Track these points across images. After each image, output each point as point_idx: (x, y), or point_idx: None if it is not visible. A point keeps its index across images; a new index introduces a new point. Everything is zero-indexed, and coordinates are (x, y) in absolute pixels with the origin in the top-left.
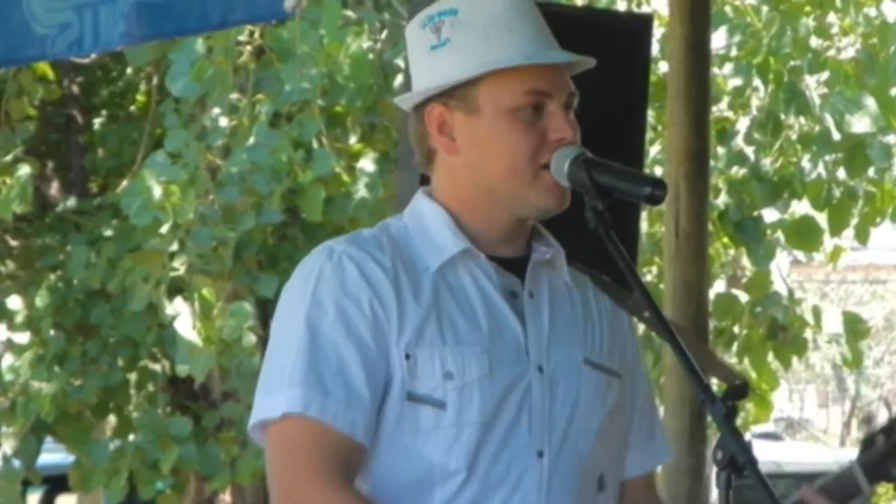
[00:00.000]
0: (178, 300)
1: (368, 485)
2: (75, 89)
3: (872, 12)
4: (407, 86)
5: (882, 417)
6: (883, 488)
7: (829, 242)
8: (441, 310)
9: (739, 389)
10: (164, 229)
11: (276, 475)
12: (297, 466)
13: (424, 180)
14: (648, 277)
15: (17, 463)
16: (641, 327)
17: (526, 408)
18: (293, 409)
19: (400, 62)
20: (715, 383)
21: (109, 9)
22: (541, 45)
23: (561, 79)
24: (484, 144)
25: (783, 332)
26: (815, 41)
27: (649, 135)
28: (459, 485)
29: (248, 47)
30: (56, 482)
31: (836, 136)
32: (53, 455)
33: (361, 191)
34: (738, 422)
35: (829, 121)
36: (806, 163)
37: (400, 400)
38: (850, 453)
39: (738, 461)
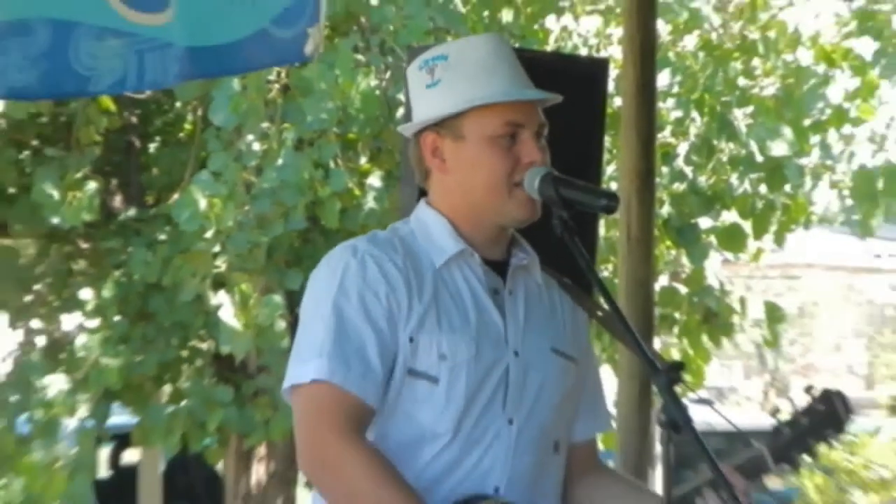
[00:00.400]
0: (221, 292)
1: (374, 441)
2: (134, 119)
3: (789, 58)
4: (407, 117)
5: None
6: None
7: (752, 245)
8: (439, 303)
9: (676, 365)
10: (209, 234)
11: (303, 427)
12: (320, 420)
13: (422, 194)
14: (605, 273)
15: (90, 424)
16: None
17: (503, 385)
18: (320, 377)
19: (401, 97)
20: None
21: (157, 55)
22: (516, 85)
23: (533, 112)
24: (469, 166)
25: (715, 318)
26: (742, 81)
27: (606, 157)
28: (444, 444)
29: (277, 85)
30: (122, 439)
31: (759, 158)
32: (120, 417)
33: (370, 203)
34: (678, 390)
35: (754, 146)
36: (734, 180)
37: (402, 374)
38: (768, 417)
39: (678, 422)
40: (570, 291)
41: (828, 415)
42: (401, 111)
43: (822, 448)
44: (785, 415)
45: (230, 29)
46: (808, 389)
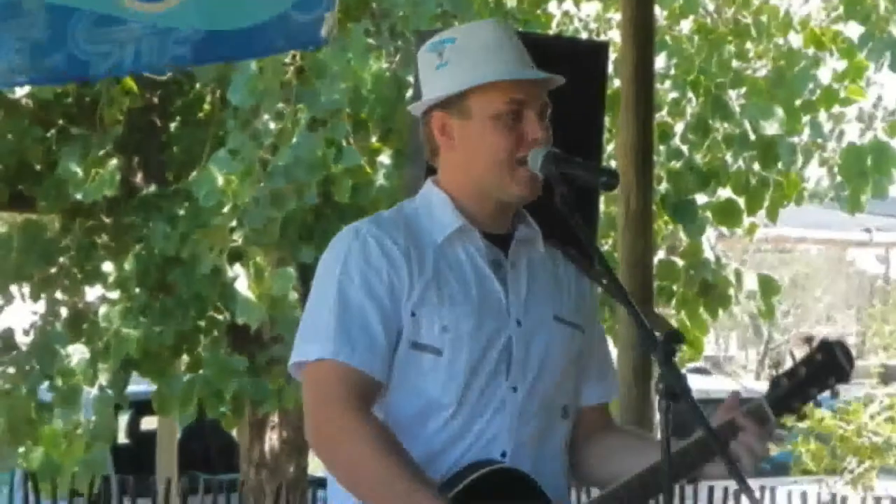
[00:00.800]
0: (237, 265)
1: (383, 416)
2: (155, 100)
3: (781, 41)
4: (416, 97)
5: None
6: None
7: (746, 220)
8: (440, 278)
9: (675, 336)
10: (226, 210)
11: (309, 402)
12: (326, 396)
13: (429, 173)
14: (606, 248)
15: (110, 392)
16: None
17: (506, 354)
18: (325, 355)
19: (410, 79)
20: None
21: (155, 39)
22: (519, 65)
23: (536, 92)
24: (474, 143)
25: (711, 290)
26: (735, 63)
27: (606, 136)
28: (450, 414)
29: (292, 67)
30: (140, 407)
31: (753, 137)
32: (138, 386)
33: (380, 179)
34: (675, 359)
35: (747, 125)
36: (729, 158)
37: (406, 347)
38: (763, 385)
39: (676, 390)
40: (574, 261)
41: (829, 364)
42: (410, 92)
43: (823, 395)
44: (785, 367)
45: (251, 13)
46: (808, 340)
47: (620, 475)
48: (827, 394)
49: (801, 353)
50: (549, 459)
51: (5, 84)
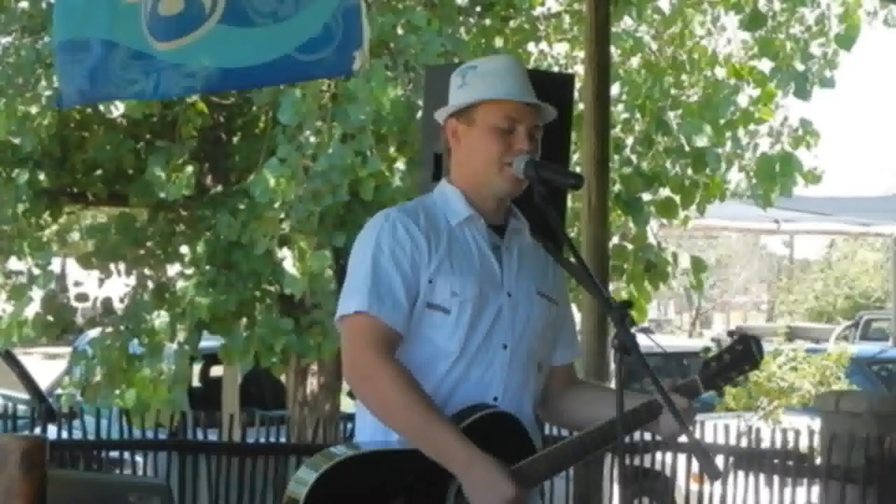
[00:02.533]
0: (285, 248)
1: (402, 361)
2: (221, 119)
3: (709, 73)
4: (425, 119)
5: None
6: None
7: (682, 213)
8: (452, 254)
9: (627, 304)
10: (276, 205)
11: (347, 347)
12: (362, 342)
13: (434, 177)
14: (572, 235)
15: (186, 347)
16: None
17: (498, 317)
18: (361, 308)
19: (420, 103)
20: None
21: (169, 73)
22: (520, 91)
23: (529, 113)
24: (475, 145)
25: (654, 268)
26: (673, 91)
27: (572, 147)
28: (454, 361)
29: (328, 93)
30: (210, 358)
31: (687, 148)
32: (208, 342)
33: (396, 181)
34: (627, 321)
35: (682, 139)
36: (668, 165)
37: (422, 307)
38: (694, 341)
39: (627, 346)
40: (551, 253)
41: (746, 353)
42: (420, 114)
43: (739, 378)
44: (712, 353)
45: (258, 53)
46: (731, 334)
47: (592, 421)
48: (741, 378)
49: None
50: (527, 403)
51: (72, 103)
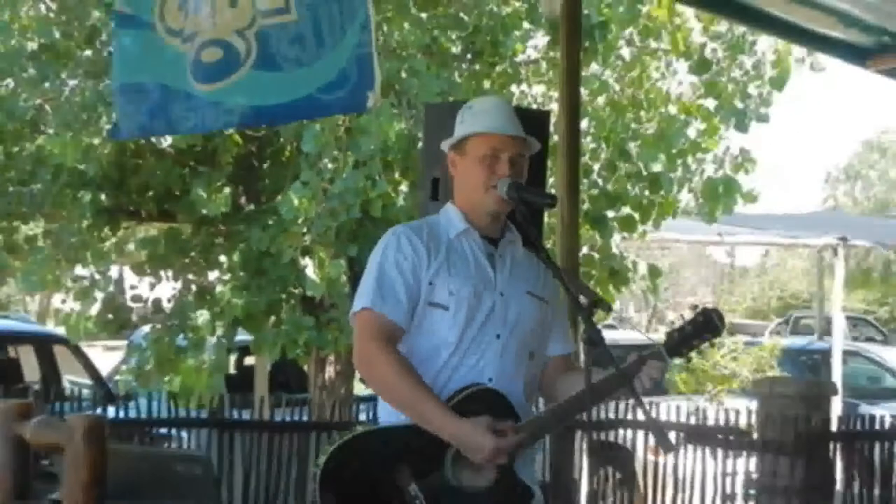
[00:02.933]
0: (307, 258)
1: (406, 351)
2: (254, 149)
3: (663, 110)
4: (425, 148)
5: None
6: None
7: (640, 228)
8: (450, 260)
9: (595, 303)
10: (300, 221)
11: (356, 338)
12: (368, 334)
13: (433, 199)
14: (548, 245)
15: (224, 340)
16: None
17: (491, 313)
18: (366, 305)
19: (419, 135)
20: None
21: (211, 110)
22: (504, 125)
23: (512, 144)
24: (466, 172)
25: (616, 274)
26: (633, 125)
27: (548, 173)
28: (453, 350)
29: (343, 126)
30: (244, 349)
31: (645, 173)
32: (243, 336)
33: (400, 201)
34: (595, 318)
35: (641, 165)
36: (629, 187)
37: (424, 306)
38: (652, 335)
39: (595, 339)
40: (543, 261)
41: (707, 324)
42: (420, 144)
43: (702, 346)
44: (676, 325)
45: (285, 93)
46: (693, 308)
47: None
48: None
49: (688, 315)
50: (518, 385)
51: (133, 136)
